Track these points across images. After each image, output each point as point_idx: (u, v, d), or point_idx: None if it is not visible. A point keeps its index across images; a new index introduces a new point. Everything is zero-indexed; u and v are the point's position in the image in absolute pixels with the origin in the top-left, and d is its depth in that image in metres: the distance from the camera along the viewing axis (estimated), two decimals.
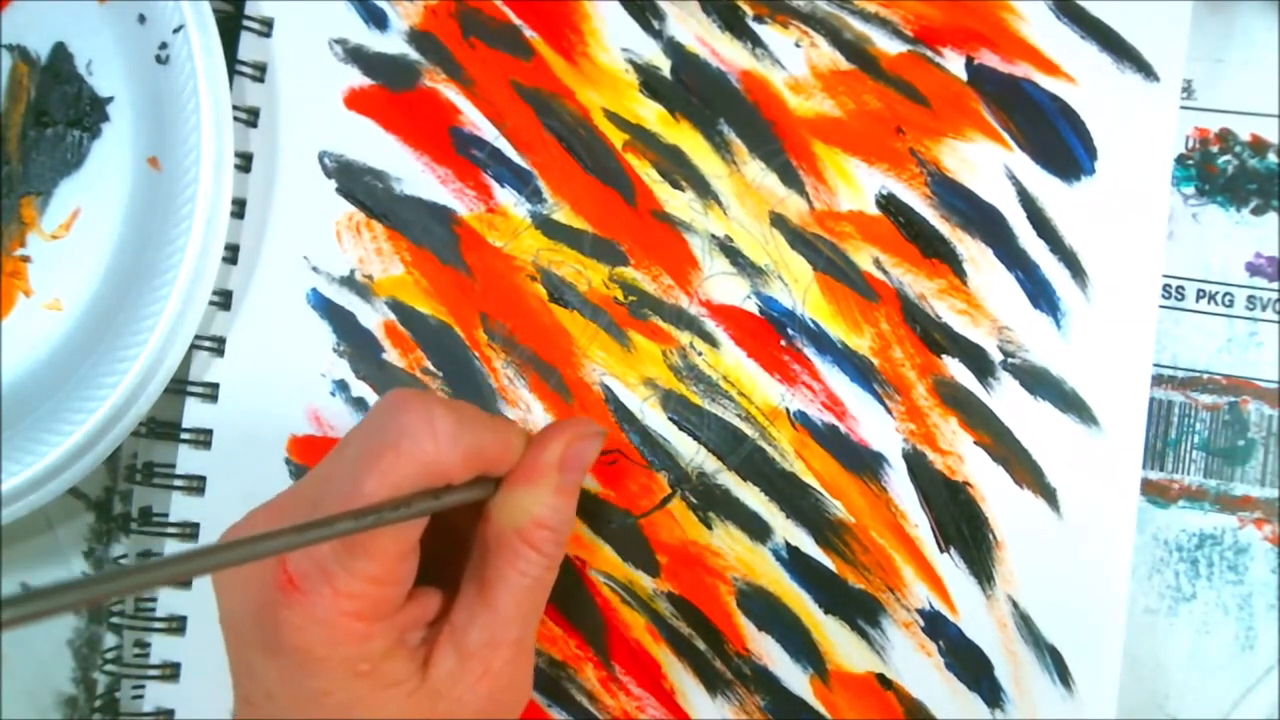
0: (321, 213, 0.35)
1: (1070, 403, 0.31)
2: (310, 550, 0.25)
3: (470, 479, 0.27)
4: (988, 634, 0.31)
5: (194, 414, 0.35)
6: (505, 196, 0.34)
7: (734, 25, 0.33)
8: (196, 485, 0.35)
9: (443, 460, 0.26)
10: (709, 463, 0.33)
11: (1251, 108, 0.33)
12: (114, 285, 0.34)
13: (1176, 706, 0.32)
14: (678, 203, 0.33)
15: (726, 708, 0.32)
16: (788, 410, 0.32)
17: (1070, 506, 0.31)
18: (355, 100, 0.35)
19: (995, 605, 0.31)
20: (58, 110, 0.35)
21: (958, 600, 0.32)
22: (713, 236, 0.33)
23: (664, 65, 0.34)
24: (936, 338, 0.32)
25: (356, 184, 0.35)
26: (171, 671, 0.34)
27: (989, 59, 0.32)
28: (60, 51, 0.35)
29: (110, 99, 0.35)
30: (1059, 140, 0.32)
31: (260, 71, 0.35)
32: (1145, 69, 0.32)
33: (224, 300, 0.35)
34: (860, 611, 0.32)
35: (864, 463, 0.32)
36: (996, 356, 0.32)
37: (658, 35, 0.34)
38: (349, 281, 0.35)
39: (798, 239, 0.33)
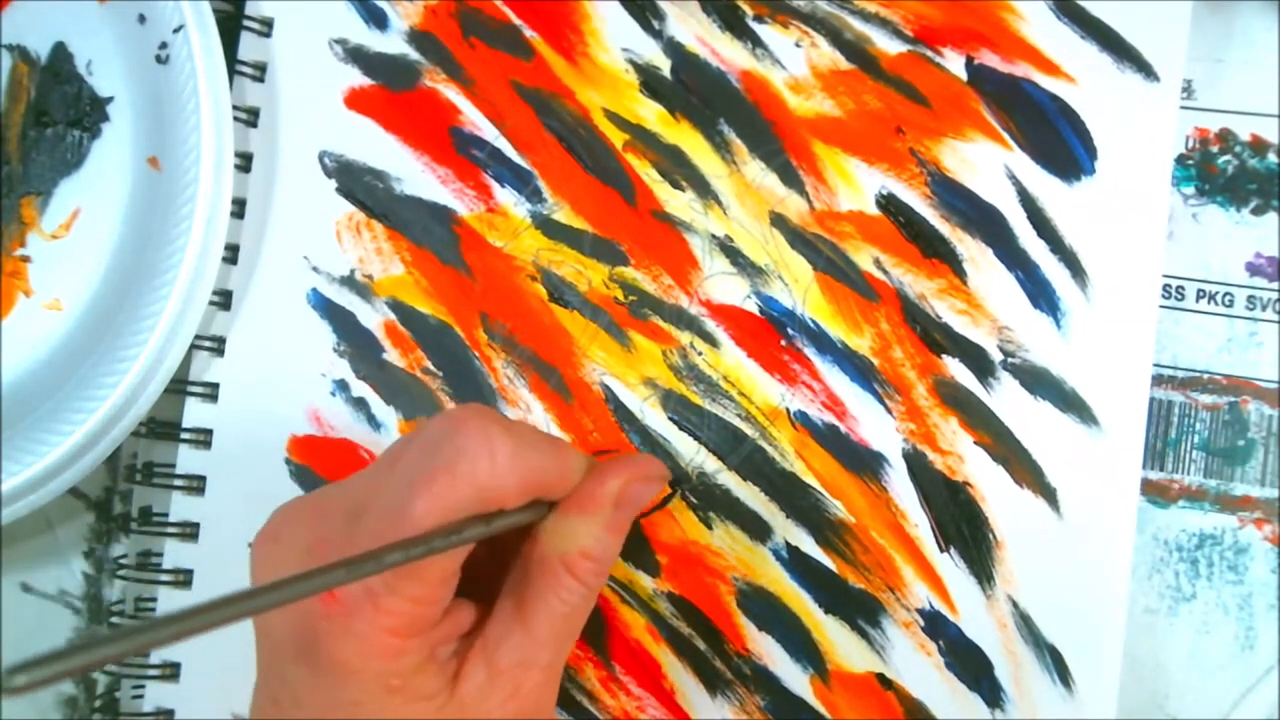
0: (321, 213, 0.35)
1: (1070, 403, 0.31)
2: None
3: (524, 503, 0.26)
4: (988, 634, 0.31)
5: (194, 414, 0.35)
6: (505, 196, 0.34)
7: (734, 25, 0.33)
8: (196, 485, 0.35)
9: (498, 485, 0.25)
10: (709, 463, 0.33)
11: (1251, 108, 0.33)
12: (114, 285, 0.34)
13: (1176, 706, 0.32)
14: (678, 203, 0.33)
15: (726, 708, 0.32)
16: (788, 410, 0.32)
17: (1070, 506, 0.31)
18: (355, 100, 0.35)
19: (995, 605, 0.31)
20: (58, 110, 0.35)
21: (958, 600, 0.32)
22: (713, 236, 0.33)
23: (664, 65, 0.34)
24: (936, 338, 0.32)
25: (356, 184, 0.35)
26: (171, 671, 0.34)
27: (989, 59, 0.32)
28: (60, 51, 0.35)
29: (110, 99, 0.35)
30: (1059, 140, 0.32)
31: (260, 71, 0.35)
32: (1145, 69, 0.32)
33: (224, 300, 0.35)
34: (860, 611, 0.32)
35: (864, 463, 0.32)
36: (996, 356, 0.32)
37: (658, 35, 0.34)
38: (349, 281, 0.35)
39: (798, 239, 0.33)
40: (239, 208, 0.35)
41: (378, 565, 0.23)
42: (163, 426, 0.35)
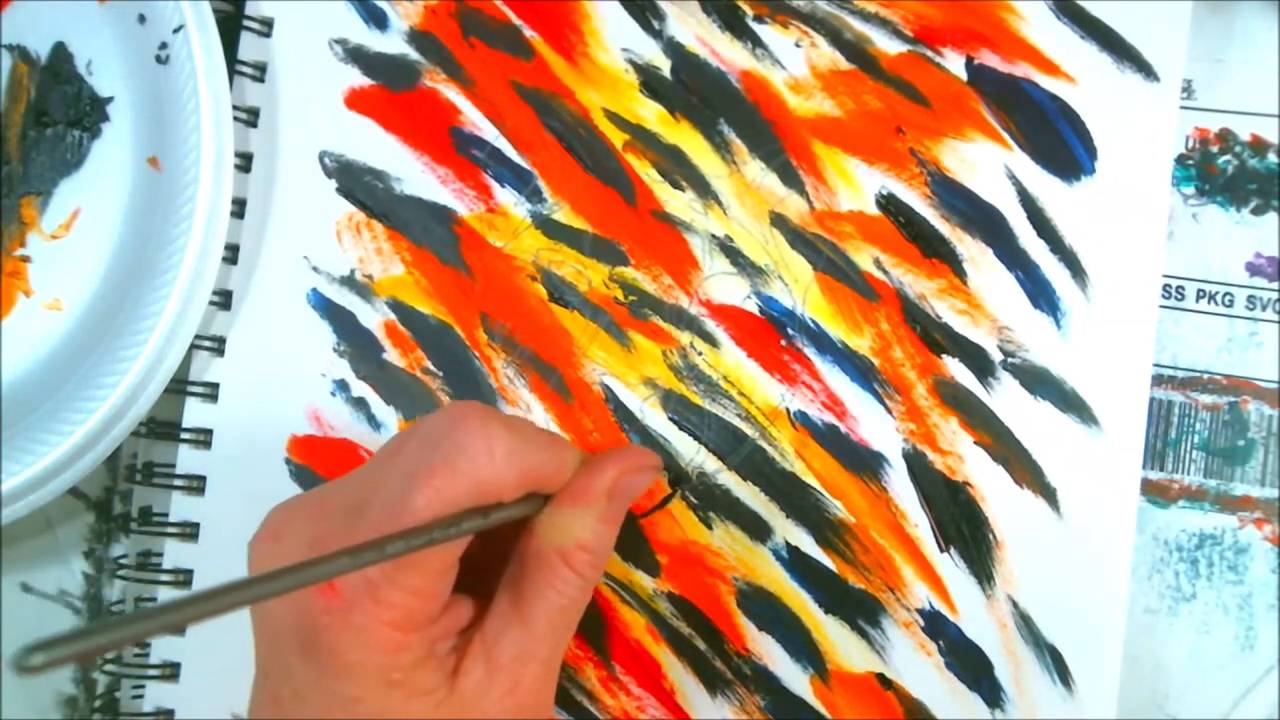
0: (321, 213, 0.35)
1: (1070, 403, 0.31)
2: None
3: (521, 496, 0.27)
4: (988, 634, 0.31)
5: (194, 414, 0.35)
6: (505, 196, 0.34)
7: (734, 25, 0.33)
8: (196, 485, 0.35)
9: (497, 479, 0.25)
10: (709, 463, 0.33)
11: (1251, 108, 0.33)
12: (114, 285, 0.34)
13: (1176, 706, 0.32)
14: (678, 203, 0.33)
15: (726, 708, 0.32)
16: (788, 410, 0.32)
17: (1070, 506, 0.31)
18: (355, 100, 0.35)
19: (995, 605, 0.31)
20: (58, 110, 0.35)
21: (958, 600, 0.32)
22: (713, 236, 0.33)
23: (664, 65, 0.34)
24: (936, 338, 0.32)
25: (356, 184, 0.35)
26: (171, 671, 0.34)
27: (989, 59, 0.32)
28: (60, 51, 0.35)
29: (110, 99, 0.35)
30: (1059, 140, 0.32)
31: (260, 71, 0.35)
32: (1145, 69, 0.32)
33: (224, 300, 0.35)
34: (860, 611, 0.32)
35: (864, 463, 0.32)
36: (996, 356, 0.32)
37: (658, 35, 0.34)
38: (349, 281, 0.35)
39: (798, 239, 0.33)
40: (239, 208, 0.35)
41: (379, 554, 0.23)
42: (163, 426, 0.35)
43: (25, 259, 0.35)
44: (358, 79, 0.35)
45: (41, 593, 0.37)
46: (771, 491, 0.32)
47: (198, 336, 0.34)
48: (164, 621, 0.19)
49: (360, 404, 0.34)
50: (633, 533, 0.33)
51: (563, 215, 0.34)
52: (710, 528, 0.33)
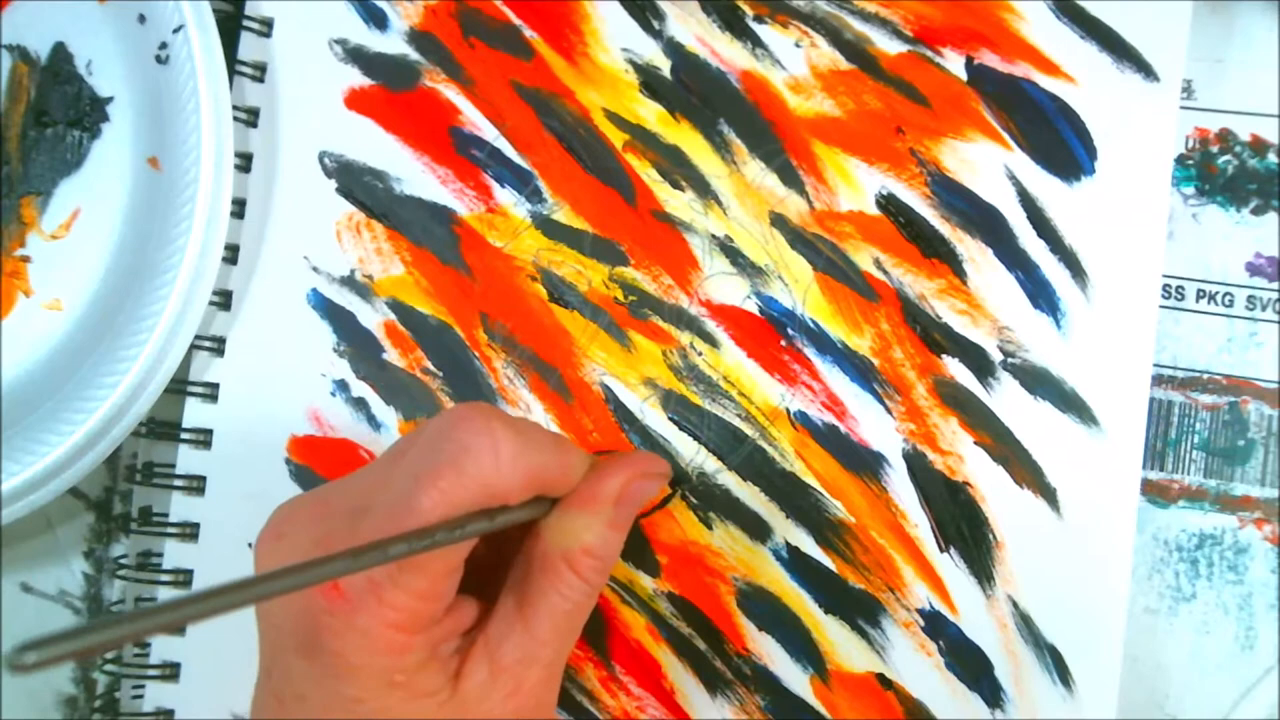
0: (321, 213, 0.35)
1: (1070, 403, 0.31)
2: None
3: (527, 499, 0.27)
4: (988, 634, 0.31)
5: (194, 414, 0.35)
6: (505, 196, 0.34)
7: (734, 25, 0.33)
8: (196, 485, 0.35)
9: (503, 482, 0.25)
10: (709, 463, 0.33)
11: (1251, 108, 0.33)
12: (114, 285, 0.34)
13: (1176, 706, 0.32)
14: (678, 203, 0.33)
15: (726, 708, 0.32)
16: (788, 410, 0.32)
17: (1070, 506, 0.31)
18: (355, 100, 0.35)
19: (995, 605, 0.31)
20: (58, 110, 0.35)
21: (958, 600, 0.32)
22: (713, 236, 0.33)
23: (664, 65, 0.34)
24: (936, 338, 0.32)
25: (356, 184, 0.35)
26: (171, 671, 0.34)
27: (989, 59, 0.32)
28: (60, 51, 0.35)
29: (110, 99, 0.35)
30: (1059, 140, 0.32)
31: (260, 71, 0.35)
32: (1145, 69, 0.32)
33: (224, 300, 0.35)
34: (860, 611, 0.32)
35: (864, 463, 0.32)
36: (996, 356, 0.32)
37: (658, 35, 0.34)
38: (349, 281, 0.35)
39: (798, 239, 0.33)
40: (239, 208, 0.35)
41: (383, 555, 0.23)
42: (163, 426, 0.35)
43: (25, 259, 0.35)
44: (358, 79, 0.35)
45: (41, 593, 0.37)
46: (771, 491, 0.32)
47: (198, 336, 0.34)
48: (164, 621, 0.19)
49: (360, 404, 0.34)
50: (633, 533, 0.33)
51: (563, 215, 0.34)
52: (710, 528, 0.33)
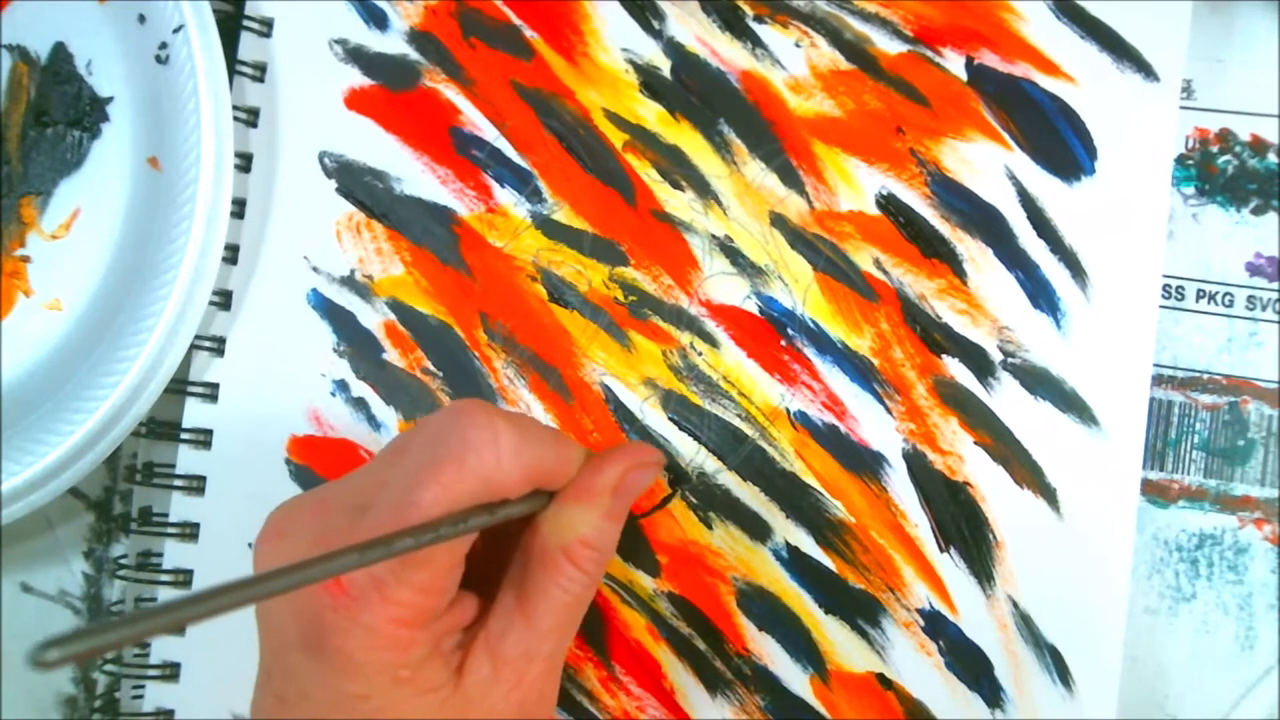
0: (321, 213, 0.35)
1: (1070, 403, 0.31)
2: None
3: (526, 493, 0.27)
4: (988, 634, 0.31)
5: (194, 414, 0.35)
6: (505, 196, 0.34)
7: (734, 25, 0.33)
8: (196, 485, 0.35)
9: (503, 476, 0.25)
10: (709, 463, 0.33)
11: (1251, 108, 0.33)
12: (114, 285, 0.34)
13: (1176, 706, 0.32)
14: (678, 203, 0.33)
15: (726, 708, 0.32)
16: (788, 410, 0.32)
17: (1070, 506, 0.31)
18: (355, 100, 0.35)
19: (995, 605, 0.31)
20: (58, 110, 0.35)
21: (958, 600, 0.32)
22: (713, 236, 0.33)
23: (664, 65, 0.34)
24: (936, 338, 0.32)
25: (356, 184, 0.35)
26: (171, 671, 0.34)
27: (989, 59, 0.32)
28: (60, 51, 0.35)
29: (110, 99, 0.35)
30: (1059, 140, 0.32)
31: (260, 71, 0.35)
32: (1145, 69, 0.32)
33: (224, 300, 0.35)
34: (860, 611, 0.32)
35: (864, 463, 0.32)
36: (996, 356, 0.32)
37: (658, 35, 0.34)
38: (349, 281, 0.35)
39: (798, 239, 0.33)
40: (239, 208, 0.35)
41: (388, 550, 0.23)
42: (163, 426, 0.35)
43: (25, 259, 0.35)
44: (358, 79, 0.35)
45: (41, 593, 0.37)
46: (771, 491, 0.32)
47: (198, 336, 0.34)
48: (183, 617, 0.19)
49: (360, 404, 0.34)
50: (633, 533, 0.33)
51: (563, 215, 0.34)
52: (710, 528, 0.33)
